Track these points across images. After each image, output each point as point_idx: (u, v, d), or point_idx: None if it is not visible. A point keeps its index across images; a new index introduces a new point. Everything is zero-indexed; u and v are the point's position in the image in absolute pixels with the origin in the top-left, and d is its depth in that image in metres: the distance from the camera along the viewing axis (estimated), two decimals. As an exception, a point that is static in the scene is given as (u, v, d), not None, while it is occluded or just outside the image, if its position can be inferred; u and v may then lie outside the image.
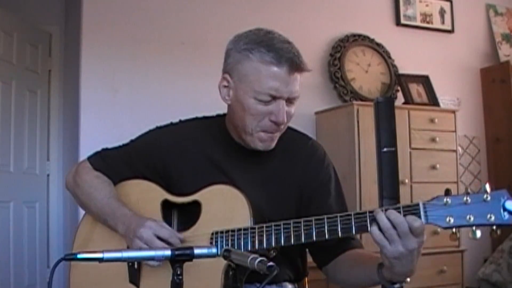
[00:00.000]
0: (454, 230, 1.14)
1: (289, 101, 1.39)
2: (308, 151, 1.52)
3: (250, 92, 1.36)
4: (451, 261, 3.47)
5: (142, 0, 3.40)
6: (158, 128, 1.58)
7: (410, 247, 1.14)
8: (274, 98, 1.36)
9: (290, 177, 1.48)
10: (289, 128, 1.52)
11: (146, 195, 1.49)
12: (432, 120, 3.55)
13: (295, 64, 1.35)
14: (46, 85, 3.92)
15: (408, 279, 1.21)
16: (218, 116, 1.57)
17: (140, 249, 1.30)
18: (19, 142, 3.64)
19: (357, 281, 1.39)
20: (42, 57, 3.88)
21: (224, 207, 1.38)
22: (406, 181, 3.31)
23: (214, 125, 1.54)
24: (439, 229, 3.52)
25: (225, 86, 1.44)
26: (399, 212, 1.15)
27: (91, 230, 1.52)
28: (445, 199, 1.13)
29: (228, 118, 1.50)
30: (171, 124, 1.58)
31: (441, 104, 3.84)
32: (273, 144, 1.44)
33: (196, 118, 1.59)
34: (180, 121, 1.59)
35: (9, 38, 3.58)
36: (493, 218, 1.09)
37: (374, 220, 1.16)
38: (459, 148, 3.79)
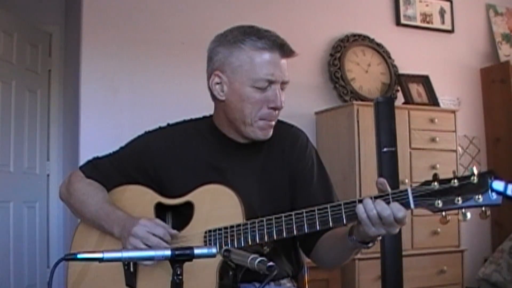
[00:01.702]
0: (443, 213, 1.16)
1: (282, 86, 1.43)
2: (291, 138, 1.55)
3: (247, 81, 1.40)
4: (451, 261, 3.47)
5: (142, 0, 3.40)
6: (146, 133, 1.60)
7: (392, 232, 1.19)
8: (270, 83, 1.40)
9: (278, 165, 1.51)
10: None
11: (139, 199, 1.50)
12: (432, 120, 3.55)
13: (286, 48, 1.40)
14: (46, 85, 3.92)
15: (380, 237, 1.24)
16: (205, 117, 1.59)
17: (140, 249, 1.31)
18: (19, 142, 3.64)
19: (336, 255, 1.44)
20: (42, 57, 3.88)
21: (216, 206, 1.39)
22: (406, 181, 3.31)
23: (202, 125, 1.56)
24: (439, 229, 3.49)
25: (217, 83, 1.45)
26: (388, 198, 1.17)
27: (87, 237, 1.52)
28: (433, 184, 1.15)
29: (220, 115, 1.51)
30: (160, 128, 1.60)
31: (441, 104, 3.85)
32: (271, 133, 1.47)
33: (184, 121, 1.61)
34: (168, 124, 1.61)
35: (9, 38, 3.58)
36: (481, 199, 1.11)
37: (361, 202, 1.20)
38: (459, 148, 3.79)
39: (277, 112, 1.44)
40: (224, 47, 1.43)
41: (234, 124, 1.46)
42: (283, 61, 1.41)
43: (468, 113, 4.19)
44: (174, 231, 1.38)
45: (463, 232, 3.54)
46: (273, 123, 1.46)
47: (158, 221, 1.39)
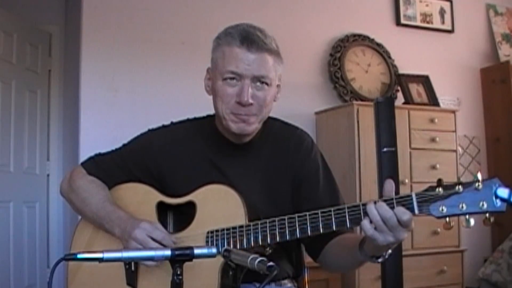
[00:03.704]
0: (447, 219, 1.15)
1: (257, 82, 1.41)
2: (296, 141, 1.54)
3: (219, 75, 1.42)
4: (451, 261, 3.47)
5: (142, 0, 3.40)
6: (150, 130, 1.59)
7: (400, 237, 1.17)
8: (239, 77, 1.40)
9: (281, 167, 1.50)
10: (279, 120, 1.56)
11: (141, 197, 1.50)
12: (432, 120, 3.55)
13: (255, 43, 1.39)
14: (46, 85, 3.92)
15: (390, 251, 1.23)
16: (209, 116, 1.58)
17: (139, 249, 1.31)
18: (19, 142, 3.64)
19: (345, 264, 1.43)
20: (42, 57, 3.88)
21: (219, 206, 1.39)
22: (406, 181, 3.30)
23: (205, 125, 1.56)
24: (439, 229, 3.50)
25: (208, 79, 1.50)
26: (392, 203, 1.16)
27: (88, 235, 1.52)
28: (437, 189, 1.14)
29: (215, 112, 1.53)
30: (163, 126, 1.60)
31: (441, 104, 3.85)
32: (250, 128, 1.44)
33: (188, 120, 1.61)
34: (172, 123, 1.61)
35: (9, 38, 3.57)
36: (485, 205, 1.11)
37: (366, 213, 1.18)
38: (459, 148, 3.79)
39: (249, 108, 1.40)
40: (213, 44, 1.47)
41: (219, 119, 1.47)
42: (258, 56, 1.39)
43: (468, 113, 4.19)
44: (174, 238, 1.38)
45: (463, 232, 3.54)
46: (250, 119, 1.43)
47: (159, 225, 1.38)
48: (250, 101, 1.39)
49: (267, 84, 1.42)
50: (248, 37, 1.39)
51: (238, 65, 1.38)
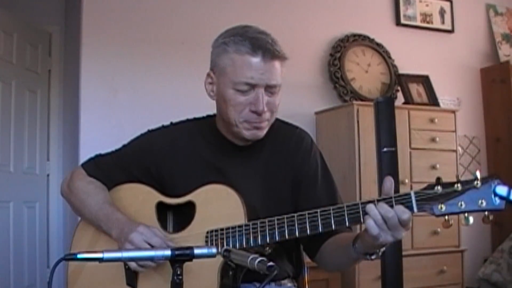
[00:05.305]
0: (446, 217, 1.15)
1: (269, 90, 1.40)
2: (295, 140, 1.54)
3: (229, 83, 1.39)
4: (451, 261, 3.47)
5: (142, 0, 3.40)
6: (149, 131, 1.59)
7: (399, 236, 1.18)
8: (252, 86, 1.38)
9: (281, 167, 1.50)
10: (278, 120, 1.55)
11: (141, 198, 1.50)
12: (432, 120, 3.55)
13: (269, 52, 1.36)
14: (46, 85, 3.92)
15: (383, 248, 1.24)
16: (208, 116, 1.59)
17: (139, 249, 1.31)
18: (19, 142, 3.64)
19: (341, 262, 1.44)
20: (42, 57, 3.88)
21: (218, 206, 1.39)
22: (406, 181, 3.30)
23: (205, 125, 1.56)
24: (439, 229, 3.49)
25: (210, 83, 1.47)
26: (391, 202, 1.17)
27: (87, 236, 1.52)
28: (436, 188, 1.15)
29: (217, 115, 1.52)
30: (163, 126, 1.60)
31: (441, 104, 3.85)
32: (262, 133, 1.45)
33: (187, 120, 1.61)
34: (171, 123, 1.60)
35: (9, 38, 3.57)
36: (484, 203, 1.11)
37: (365, 212, 1.18)
38: (459, 148, 3.79)
39: (263, 116, 1.40)
40: (215, 48, 1.44)
41: (225, 124, 1.47)
42: (270, 64, 1.37)
43: (468, 113, 4.19)
44: (172, 240, 1.38)
45: (463, 232, 3.54)
46: (263, 124, 1.43)
47: (157, 230, 1.38)
48: (265, 109, 1.39)
49: (276, 90, 1.42)
50: (261, 45, 1.36)
51: (253, 75, 1.36)
